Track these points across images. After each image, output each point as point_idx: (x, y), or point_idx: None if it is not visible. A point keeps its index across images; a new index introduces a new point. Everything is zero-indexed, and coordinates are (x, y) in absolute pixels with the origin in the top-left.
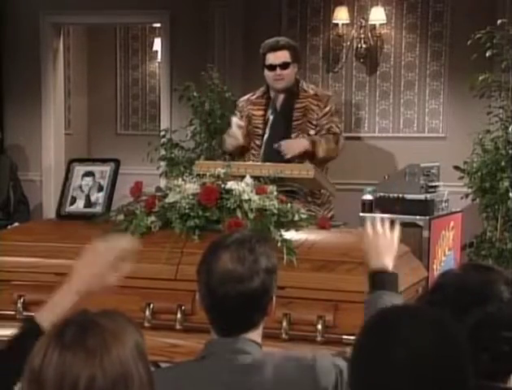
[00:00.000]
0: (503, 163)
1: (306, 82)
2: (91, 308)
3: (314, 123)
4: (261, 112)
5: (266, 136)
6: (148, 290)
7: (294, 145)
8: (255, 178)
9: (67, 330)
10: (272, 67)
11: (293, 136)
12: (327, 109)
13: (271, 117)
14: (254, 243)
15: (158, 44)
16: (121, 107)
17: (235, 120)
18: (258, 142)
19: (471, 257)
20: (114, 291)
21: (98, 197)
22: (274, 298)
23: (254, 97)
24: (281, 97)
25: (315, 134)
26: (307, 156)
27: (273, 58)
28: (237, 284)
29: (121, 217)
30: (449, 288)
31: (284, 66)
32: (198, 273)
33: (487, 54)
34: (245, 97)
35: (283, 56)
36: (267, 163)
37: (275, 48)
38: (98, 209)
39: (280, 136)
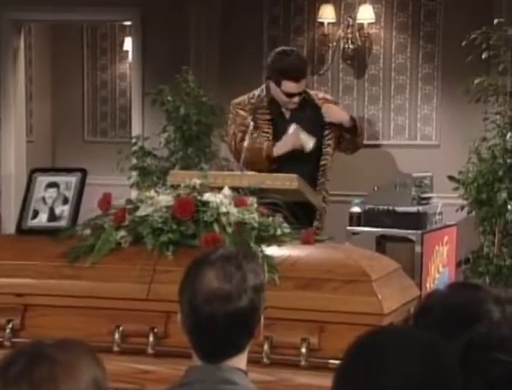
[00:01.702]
0: (501, 173)
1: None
2: (55, 331)
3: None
4: (267, 117)
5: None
6: (117, 311)
7: (338, 113)
8: (234, 189)
9: (15, 362)
10: (291, 95)
11: (326, 131)
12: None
13: (274, 122)
14: (241, 259)
15: (128, 43)
16: (88, 112)
17: (294, 127)
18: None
19: (467, 274)
20: (81, 313)
21: (63, 210)
22: (262, 319)
23: (254, 99)
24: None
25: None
26: (348, 131)
27: (293, 87)
28: (224, 304)
29: (88, 232)
30: (436, 310)
31: (302, 93)
32: (180, 292)
33: (483, 56)
34: (242, 98)
35: (301, 86)
36: (248, 173)
37: (297, 78)
38: (63, 223)
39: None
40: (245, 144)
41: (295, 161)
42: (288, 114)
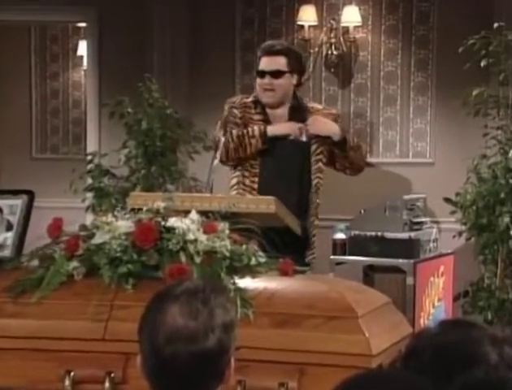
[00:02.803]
0: (502, 195)
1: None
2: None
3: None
4: (260, 117)
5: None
6: (68, 354)
7: (325, 125)
8: (203, 213)
9: None
10: (262, 74)
11: (314, 148)
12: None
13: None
14: (209, 293)
15: (83, 47)
16: (37, 125)
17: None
18: (255, 166)
19: (466, 308)
20: (26, 356)
21: (7, 237)
22: (233, 361)
23: (249, 99)
24: (282, 115)
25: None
26: (336, 145)
27: (265, 62)
28: (189, 344)
29: (35, 263)
30: (426, 352)
31: (277, 74)
32: (140, 330)
33: (482, 64)
34: (237, 97)
35: (276, 62)
36: (218, 195)
37: (270, 52)
38: (6, 252)
39: (292, 159)
40: (234, 132)
41: (283, 180)
42: (275, 123)
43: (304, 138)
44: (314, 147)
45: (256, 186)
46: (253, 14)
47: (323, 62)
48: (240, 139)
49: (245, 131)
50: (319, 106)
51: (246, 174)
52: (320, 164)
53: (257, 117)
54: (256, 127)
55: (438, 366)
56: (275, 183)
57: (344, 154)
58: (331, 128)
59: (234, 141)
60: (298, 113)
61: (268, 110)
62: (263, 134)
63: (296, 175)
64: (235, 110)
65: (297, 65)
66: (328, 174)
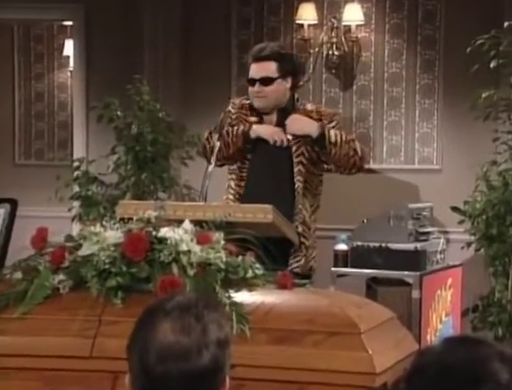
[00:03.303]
0: None
1: (306, 100)
2: None
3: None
4: (257, 119)
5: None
6: (53, 372)
7: (299, 124)
8: (197, 223)
9: None
10: (252, 82)
11: (294, 148)
12: (333, 124)
13: (257, 146)
14: (202, 308)
15: (69, 47)
16: (20, 130)
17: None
18: (249, 155)
19: (475, 324)
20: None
21: None
22: (227, 380)
23: (248, 101)
24: (273, 117)
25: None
26: (316, 142)
27: (254, 69)
28: (181, 361)
29: (18, 275)
30: (430, 370)
31: (267, 81)
32: (129, 347)
33: (491, 65)
34: (239, 98)
35: (265, 69)
36: (213, 203)
37: (259, 58)
38: None
39: (278, 163)
40: (224, 130)
41: (268, 185)
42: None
43: (284, 144)
44: (294, 148)
45: (242, 191)
46: (250, 12)
47: (324, 63)
48: (225, 138)
49: (230, 129)
50: (311, 107)
51: (234, 177)
52: (300, 167)
53: (251, 119)
54: (241, 126)
55: (444, 385)
56: (259, 187)
57: (326, 151)
58: (308, 126)
59: (221, 140)
60: (287, 115)
61: (264, 118)
62: (246, 134)
63: (279, 180)
64: (232, 110)
65: (290, 67)
66: (328, 180)
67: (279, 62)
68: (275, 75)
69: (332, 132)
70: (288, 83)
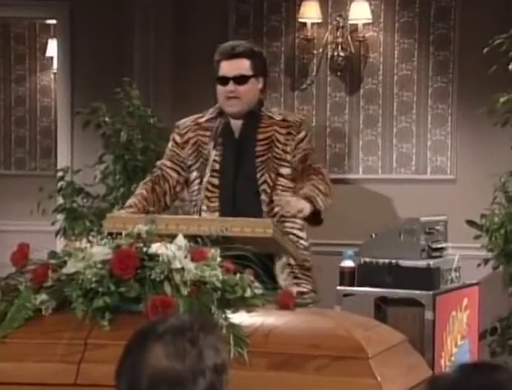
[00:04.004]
0: None
1: (271, 105)
2: None
3: (284, 157)
4: (218, 139)
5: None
6: None
7: (294, 204)
8: (191, 238)
9: None
10: (224, 80)
11: (258, 175)
12: (301, 135)
13: (214, 152)
14: (197, 331)
15: (53, 48)
16: (0, 137)
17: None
18: (215, 181)
19: (494, 348)
20: None
21: None
22: None
23: (204, 119)
24: (239, 123)
25: (290, 173)
26: (308, 219)
27: (227, 67)
28: (175, 389)
29: None
30: None
31: (241, 80)
32: (118, 373)
33: (510, 67)
34: (189, 118)
35: (238, 67)
36: (208, 217)
37: (231, 55)
38: None
39: (243, 178)
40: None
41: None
42: (237, 133)
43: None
44: (258, 176)
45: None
46: (249, 10)
47: (329, 64)
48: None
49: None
50: (278, 115)
51: (205, 209)
52: (263, 196)
53: (212, 154)
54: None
55: None
56: (233, 215)
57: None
58: (300, 204)
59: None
60: (254, 120)
61: (232, 121)
62: None
63: (248, 209)
64: (182, 128)
65: (262, 67)
66: (336, 193)
67: (253, 60)
68: (250, 73)
69: (319, 200)
70: (259, 83)
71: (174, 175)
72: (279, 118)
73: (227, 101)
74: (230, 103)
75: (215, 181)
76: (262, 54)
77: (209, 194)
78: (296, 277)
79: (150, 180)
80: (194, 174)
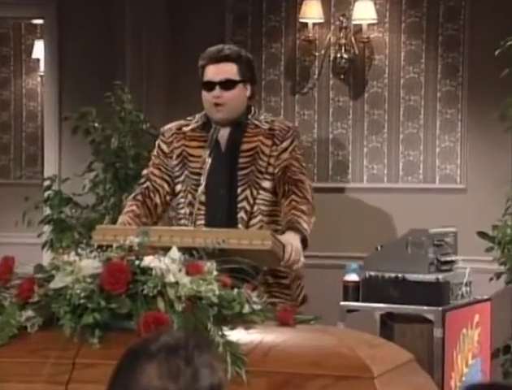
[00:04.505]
0: None
1: (261, 110)
2: None
3: (267, 170)
4: (201, 152)
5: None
6: None
7: (295, 251)
8: (185, 251)
9: None
10: (210, 86)
11: (239, 190)
12: (285, 144)
13: (209, 160)
14: (192, 350)
15: (39, 49)
16: None
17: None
18: (202, 198)
19: (507, 368)
20: None
21: None
22: None
23: (190, 127)
24: (226, 131)
25: (272, 186)
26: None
27: (213, 72)
28: None
29: None
30: None
31: (228, 85)
32: None
33: None
34: (174, 124)
35: (225, 71)
36: (204, 229)
37: (217, 58)
38: None
39: (223, 193)
40: None
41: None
42: (223, 146)
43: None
44: (238, 191)
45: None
46: (247, 9)
47: (331, 67)
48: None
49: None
50: (264, 123)
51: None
52: (242, 213)
53: (197, 152)
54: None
55: None
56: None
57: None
58: (299, 250)
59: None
60: (241, 131)
61: (214, 127)
62: None
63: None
64: (167, 136)
65: (249, 73)
66: (336, 202)
67: (240, 65)
68: (237, 77)
69: (305, 225)
70: (247, 91)
71: (164, 184)
72: (265, 127)
73: (213, 108)
74: (217, 109)
75: (201, 198)
76: (250, 59)
77: (196, 211)
78: (273, 295)
79: (140, 193)
80: (179, 186)
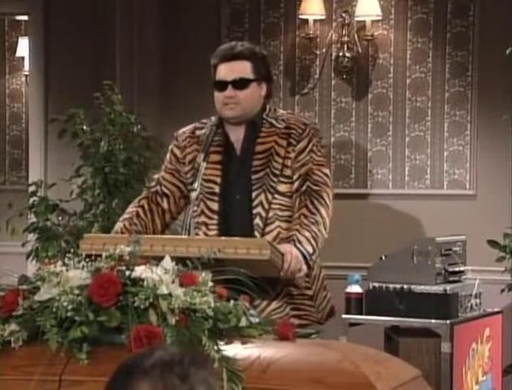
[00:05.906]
0: None
1: (277, 109)
2: None
3: (283, 172)
4: (218, 157)
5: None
6: None
7: (294, 263)
8: (179, 260)
9: None
10: (222, 85)
11: (254, 195)
12: (302, 145)
13: (204, 164)
14: (188, 366)
15: (24, 47)
16: None
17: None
18: (214, 206)
19: None
20: None
21: None
22: None
23: (203, 131)
24: (240, 133)
25: (289, 190)
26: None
27: (225, 71)
28: None
29: None
30: None
31: (241, 84)
32: None
33: None
34: (188, 127)
35: (238, 69)
36: (198, 237)
37: (230, 56)
38: None
39: (238, 199)
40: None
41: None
42: (238, 150)
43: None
44: (253, 195)
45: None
46: (244, 5)
47: (333, 66)
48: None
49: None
50: (281, 121)
51: (205, 219)
52: (258, 220)
53: (213, 158)
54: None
55: None
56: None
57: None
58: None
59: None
60: (256, 131)
61: (229, 131)
62: None
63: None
64: (176, 151)
65: (264, 71)
66: (339, 209)
67: (254, 63)
68: (251, 76)
69: (309, 248)
70: (262, 90)
71: (175, 190)
72: (281, 125)
73: (224, 107)
74: (228, 107)
75: (214, 206)
76: (265, 56)
77: (207, 220)
78: (296, 308)
79: (146, 198)
80: (193, 194)
